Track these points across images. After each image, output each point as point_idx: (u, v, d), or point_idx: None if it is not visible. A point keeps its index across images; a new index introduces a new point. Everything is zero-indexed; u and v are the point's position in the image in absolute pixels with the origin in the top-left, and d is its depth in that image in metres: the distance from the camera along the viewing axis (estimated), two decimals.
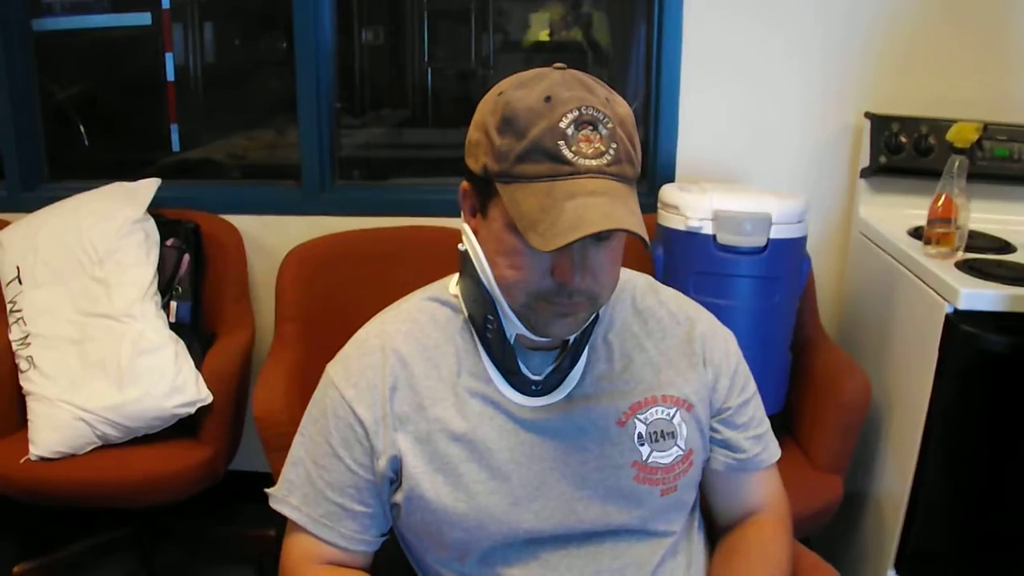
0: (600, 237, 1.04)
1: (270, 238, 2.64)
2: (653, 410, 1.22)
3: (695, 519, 1.33)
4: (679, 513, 1.26)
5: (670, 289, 1.33)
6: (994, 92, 2.48)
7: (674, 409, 1.23)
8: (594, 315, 1.16)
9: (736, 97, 2.56)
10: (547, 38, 3.47)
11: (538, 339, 1.14)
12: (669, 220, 2.12)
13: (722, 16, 2.51)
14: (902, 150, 2.40)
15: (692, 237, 2.06)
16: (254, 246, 2.65)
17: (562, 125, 1.01)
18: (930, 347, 1.95)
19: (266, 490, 1.25)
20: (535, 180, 1.02)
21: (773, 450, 1.35)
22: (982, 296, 1.89)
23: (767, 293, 2.08)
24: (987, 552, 2.09)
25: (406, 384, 1.18)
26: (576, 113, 1.02)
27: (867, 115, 2.45)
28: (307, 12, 2.57)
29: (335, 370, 1.22)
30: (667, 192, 2.17)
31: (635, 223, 1.00)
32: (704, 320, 1.31)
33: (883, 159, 2.41)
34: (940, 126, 2.33)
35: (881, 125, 2.42)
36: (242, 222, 2.62)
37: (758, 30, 2.51)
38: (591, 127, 1.02)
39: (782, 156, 2.59)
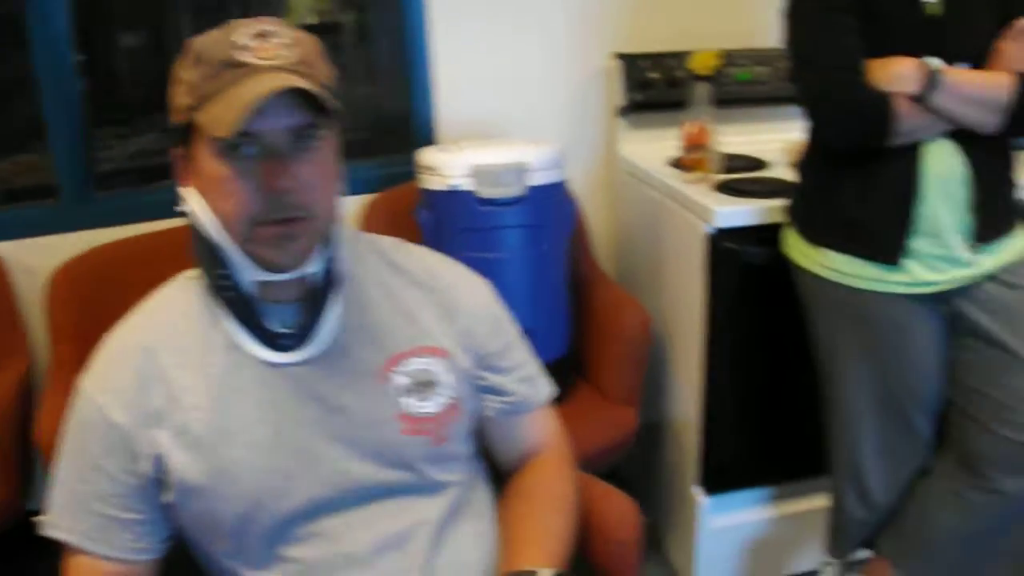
0: (301, 136, 1.06)
1: (33, 260, 2.49)
2: (411, 360, 1.21)
3: (477, 470, 1.34)
4: (455, 463, 1.26)
5: (419, 246, 1.34)
6: (734, 21, 2.58)
7: (432, 359, 1.22)
8: (321, 246, 1.14)
9: (488, 55, 2.56)
10: (316, 21, 3.41)
11: (272, 277, 1.12)
12: (429, 182, 2.11)
13: None
14: (653, 86, 2.47)
15: (453, 196, 2.07)
16: (19, 271, 2.50)
17: (239, 39, 1.04)
18: (697, 269, 2.03)
19: (36, 519, 1.18)
20: (222, 92, 1.03)
21: (544, 390, 1.37)
22: (737, 213, 1.98)
23: (535, 241, 2.10)
24: (781, 453, 2.20)
25: (156, 378, 1.14)
26: (254, 29, 1.05)
27: (617, 55, 2.52)
28: (40, 25, 2.44)
29: (85, 380, 1.18)
30: (424, 154, 2.16)
31: (320, 91, 1.02)
32: (454, 270, 1.32)
33: (637, 96, 2.48)
34: (686, 59, 2.41)
35: (631, 64, 2.49)
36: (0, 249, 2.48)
37: None
38: (270, 38, 1.05)
39: (540, 107, 2.62)
